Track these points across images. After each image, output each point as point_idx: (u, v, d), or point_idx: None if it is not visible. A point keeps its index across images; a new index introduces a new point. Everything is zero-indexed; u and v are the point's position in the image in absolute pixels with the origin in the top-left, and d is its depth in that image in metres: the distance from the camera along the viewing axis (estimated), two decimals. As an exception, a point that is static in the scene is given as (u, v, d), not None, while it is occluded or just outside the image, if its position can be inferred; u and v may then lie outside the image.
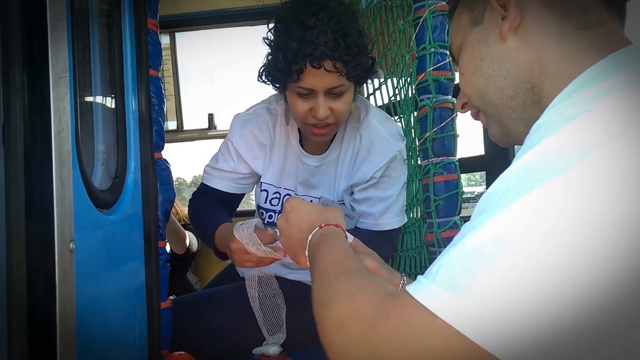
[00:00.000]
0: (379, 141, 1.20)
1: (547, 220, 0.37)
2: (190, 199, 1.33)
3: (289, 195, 1.28)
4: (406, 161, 1.29)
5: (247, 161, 1.27)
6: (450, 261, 0.41)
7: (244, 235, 0.95)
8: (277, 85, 1.13)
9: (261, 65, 1.14)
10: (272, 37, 1.11)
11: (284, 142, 1.27)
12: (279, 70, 1.07)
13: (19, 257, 0.59)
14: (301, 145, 1.26)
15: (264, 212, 1.30)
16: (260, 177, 1.30)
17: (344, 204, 1.25)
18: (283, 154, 1.27)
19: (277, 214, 1.29)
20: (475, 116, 0.67)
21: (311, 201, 1.25)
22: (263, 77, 1.14)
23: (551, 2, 0.55)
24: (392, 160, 1.20)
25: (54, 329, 0.62)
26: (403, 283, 0.77)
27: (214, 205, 1.26)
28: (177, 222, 2.31)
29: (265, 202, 1.29)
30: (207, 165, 1.32)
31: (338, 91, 1.08)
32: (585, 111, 0.41)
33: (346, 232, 0.75)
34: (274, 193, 1.28)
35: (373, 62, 1.15)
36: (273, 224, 1.29)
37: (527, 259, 0.37)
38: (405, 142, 1.26)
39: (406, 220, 1.31)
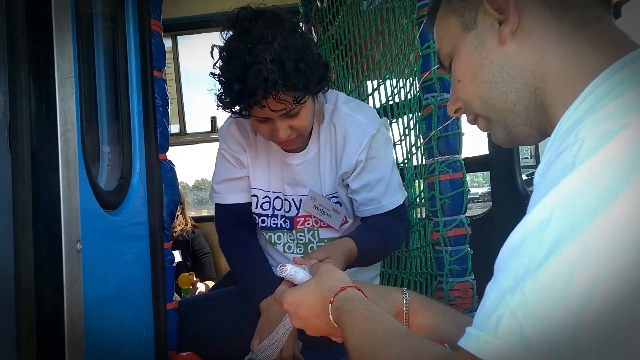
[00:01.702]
0: (352, 126, 1.19)
1: (615, 250, 0.36)
2: (219, 237, 1.30)
3: (279, 198, 1.28)
4: (390, 139, 1.27)
5: (242, 161, 1.27)
6: (511, 311, 0.38)
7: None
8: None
9: (216, 94, 1.11)
10: (217, 72, 1.08)
11: (265, 145, 1.27)
12: (228, 108, 1.08)
13: (26, 257, 0.59)
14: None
15: (257, 217, 1.30)
16: None
17: (336, 197, 1.25)
18: (266, 156, 1.27)
19: (269, 218, 1.29)
20: (473, 122, 0.65)
21: (300, 200, 1.25)
22: (220, 105, 1.12)
23: (548, 2, 0.54)
24: (371, 140, 1.18)
25: (62, 329, 0.62)
26: (407, 300, 0.74)
27: (252, 255, 1.24)
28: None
29: (257, 208, 1.29)
30: (212, 184, 1.31)
31: (293, 113, 1.08)
32: (624, 126, 0.39)
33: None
34: (263, 197, 1.28)
35: (325, 71, 1.12)
36: (266, 228, 1.30)
37: (600, 294, 0.36)
38: (385, 122, 1.25)
39: (406, 194, 1.30)
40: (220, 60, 1.07)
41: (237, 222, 1.29)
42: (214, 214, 1.35)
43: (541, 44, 0.54)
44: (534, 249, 0.39)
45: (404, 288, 0.75)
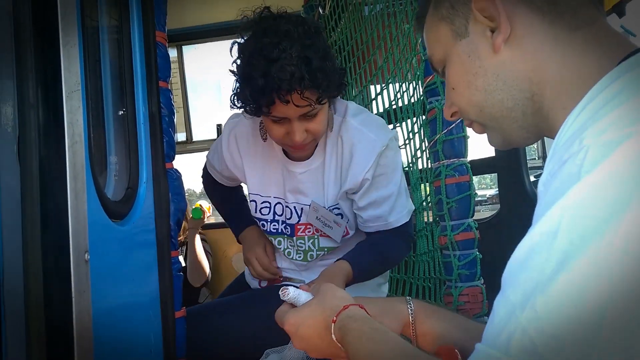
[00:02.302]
0: (359, 142, 1.17)
1: (627, 262, 0.35)
2: (202, 175, 1.47)
3: (280, 204, 1.28)
4: (399, 153, 1.26)
5: (229, 168, 1.31)
6: (522, 328, 0.38)
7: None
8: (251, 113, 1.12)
9: (231, 92, 1.12)
10: (237, 69, 1.09)
11: (267, 150, 1.26)
12: (248, 104, 1.07)
13: (35, 268, 0.60)
14: (285, 153, 1.26)
15: (257, 222, 1.31)
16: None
17: (338, 208, 1.24)
18: (265, 162, 1.27)
19: (269, 223, 1.29)
20: (469, 125, 0.65)
21: (302, 209, 1.25)
22: (236, 104, 1.12)
23: (539, 7, 0.53)
24: (380, 157, 1.16)
25: (72, 339, 0.62)
26: (412, 310, 0.73)
27: (229, 194, 1.44)
28: (199, 254, 2.30)
29: (256, 212, 1.29)
30: (207, 155, 1.41)
31: (312, 114, 1.07)
32: (629, 135, 0.38)
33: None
34: (262, 202, 1.28)
35: (343, 75, 1.13)
36: (267, 233, 1.30)
37: (613, 308, 0.35)
38: (395, 135, 1.23)
39: (414, 208, 1.29)
40: (241, 56, 1.07)
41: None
42: (220, 220, 1.49)
43: (536, 50, 0.53)
44: (542, 262, 0.39)
45: (408, 297, 0.74)
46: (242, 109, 1.13)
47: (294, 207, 1.27)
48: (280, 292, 0.73)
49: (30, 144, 0.61)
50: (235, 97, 1.11)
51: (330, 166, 1.22)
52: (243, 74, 1.05)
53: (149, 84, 1.00)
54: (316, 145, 1.22)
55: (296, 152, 1.18)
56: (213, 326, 1.22)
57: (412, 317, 0.72)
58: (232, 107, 1.14)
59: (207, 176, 1.44)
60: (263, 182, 1.28)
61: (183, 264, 2.29)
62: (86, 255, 0.67)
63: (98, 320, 0.68)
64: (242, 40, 1.08)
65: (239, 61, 1.08)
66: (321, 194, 1.24)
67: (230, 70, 1.10)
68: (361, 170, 1.17)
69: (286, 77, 0.97)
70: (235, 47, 1.09)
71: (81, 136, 0.67)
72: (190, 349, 1.14)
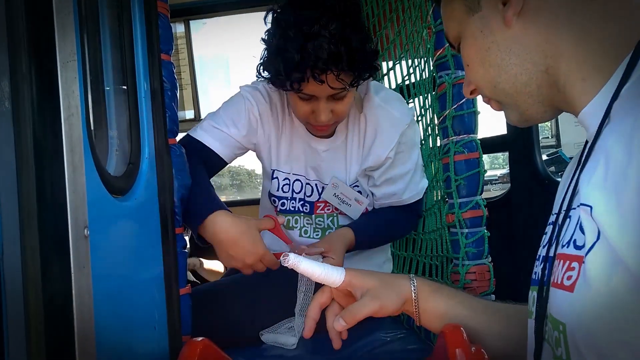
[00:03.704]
0: (384, 120, 1.16)
1: None
2: (183, 140, 1.23)
3: (299, 181, 1.26)
4: (418, 131, 1.27)
5: (249, 134, 1.21)
6: None
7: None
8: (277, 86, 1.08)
9: (259, 61, 1.07)
10: (269, 39, 1.04)
11: (290, 126, 1.24)
12: (279, 79, 1.03)
13: (32, 244, 0.59)
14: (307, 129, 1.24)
15: (277, 200, 1.29)
16: (247, 150, 1.26)
17: (357, 186, 1.23)
18: (290, 138, 1.25)
19: (288, 201, 1.27)
20: (487, 102, 0.64)
21: (323, 188, 1.24)
22: (263, 74, 1.08)
23: None
24: (402, 135, 1.17)
25: (71, 316, 0.62)
26: (414, 287, 0.73)
27: (206, 178, 1.19)
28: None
29: (278, 190, 1.27)
30: (207, 120, 1.22)
31: (340, 96, 1.05)
32: None
33: (336, 268, 0.73)
34: (283, 179, 1.27)
35: (376, 57, 1.09)
36: (285, 212, 1.28)
37: None
38: (413, 110, 1.24)
39: (427, 183, 1.29)
40: (276, 26, 1.01)
41: (201, 162, 1.19)
42: (229, 199, 1.36)
43: (549, 22, 0.51)
44: None
45: (412, 275, 0.74)
46: (269, 81, 1.09)
47: (315, 184, 1.25)
48: (281, 258, 0.74)
49: (24, 116, 0.59)
50: (262, 68, 1.07)
51: (353, 143, 1.21)
52: (277, 45, 1.00)
53: (150, 57, 0.98)
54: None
55: (318, 132, 1.17)
56: (219, 305, 1.22)
57: (414, 293, 0.71)
58: (258, 78, 1.10)
59: (192, 143, 1.23)
60: (284, 157, 1.26)
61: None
62: (85, 230, 0.66)
63: (99, 296, 0.67)
64: (278, 9, 1.04)
65: (271, 30, 1.04)
66: (344, 171, 1.23)
67: (262, 39, 1.05)
68: (385, 149, 1.16)
69: (323, 56, 0.93)
70: (270, 16, 1.05)
71: (78, 108, 0.65)
72: (195, 327, 1.14)
